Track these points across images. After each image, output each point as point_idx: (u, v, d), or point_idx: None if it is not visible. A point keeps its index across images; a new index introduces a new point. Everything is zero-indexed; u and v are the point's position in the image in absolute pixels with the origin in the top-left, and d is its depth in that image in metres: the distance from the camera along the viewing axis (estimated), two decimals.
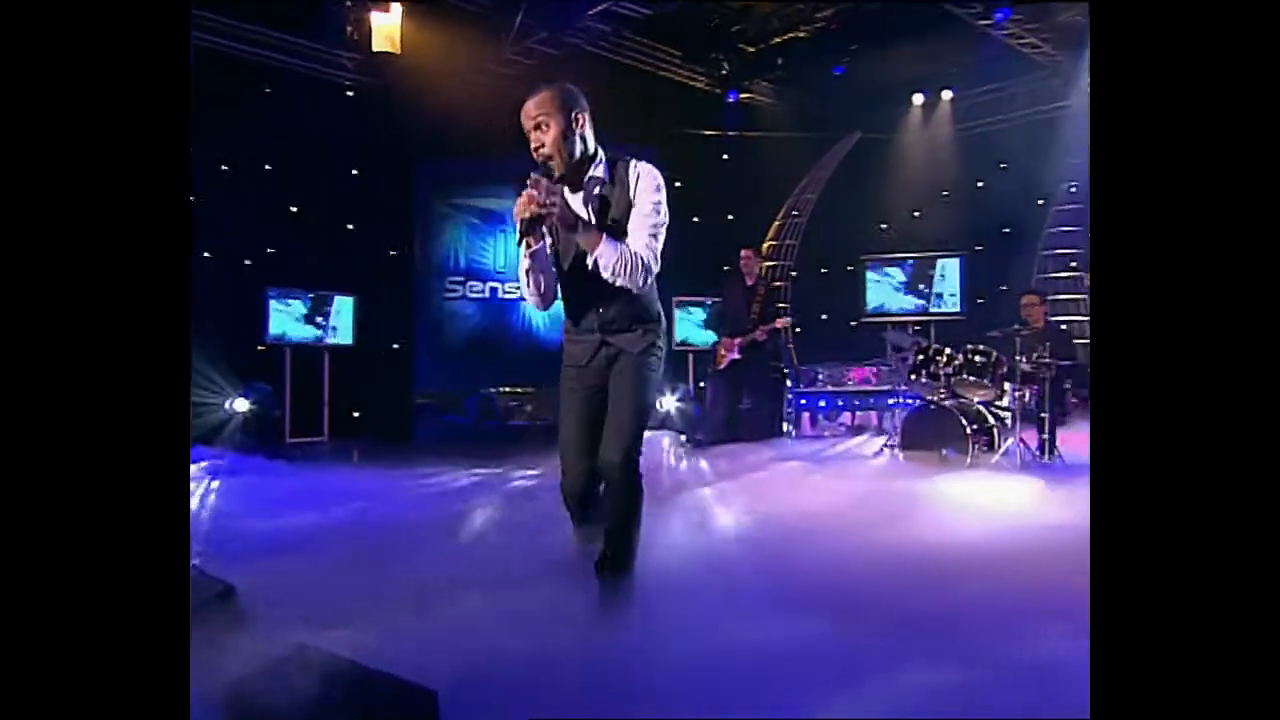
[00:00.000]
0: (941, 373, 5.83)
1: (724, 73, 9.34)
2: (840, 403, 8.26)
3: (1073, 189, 10.33)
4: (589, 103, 2.47)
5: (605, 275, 2.38)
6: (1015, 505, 4.38)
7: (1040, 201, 10.60)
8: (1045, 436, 5.74)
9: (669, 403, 8.02)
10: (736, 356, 6.90)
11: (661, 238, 2.46)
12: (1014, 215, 10.79)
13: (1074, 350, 6.17)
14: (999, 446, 5.69)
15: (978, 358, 5.75)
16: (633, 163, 2.48)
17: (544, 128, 2.38)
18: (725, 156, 11.05)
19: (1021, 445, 5.69)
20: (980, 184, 11.02)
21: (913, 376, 6.04)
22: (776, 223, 11.37)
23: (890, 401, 7.40)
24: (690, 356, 9.36)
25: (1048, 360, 5.63)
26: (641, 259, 2.40)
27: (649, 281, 2.47)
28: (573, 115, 2.40)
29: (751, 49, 9.13)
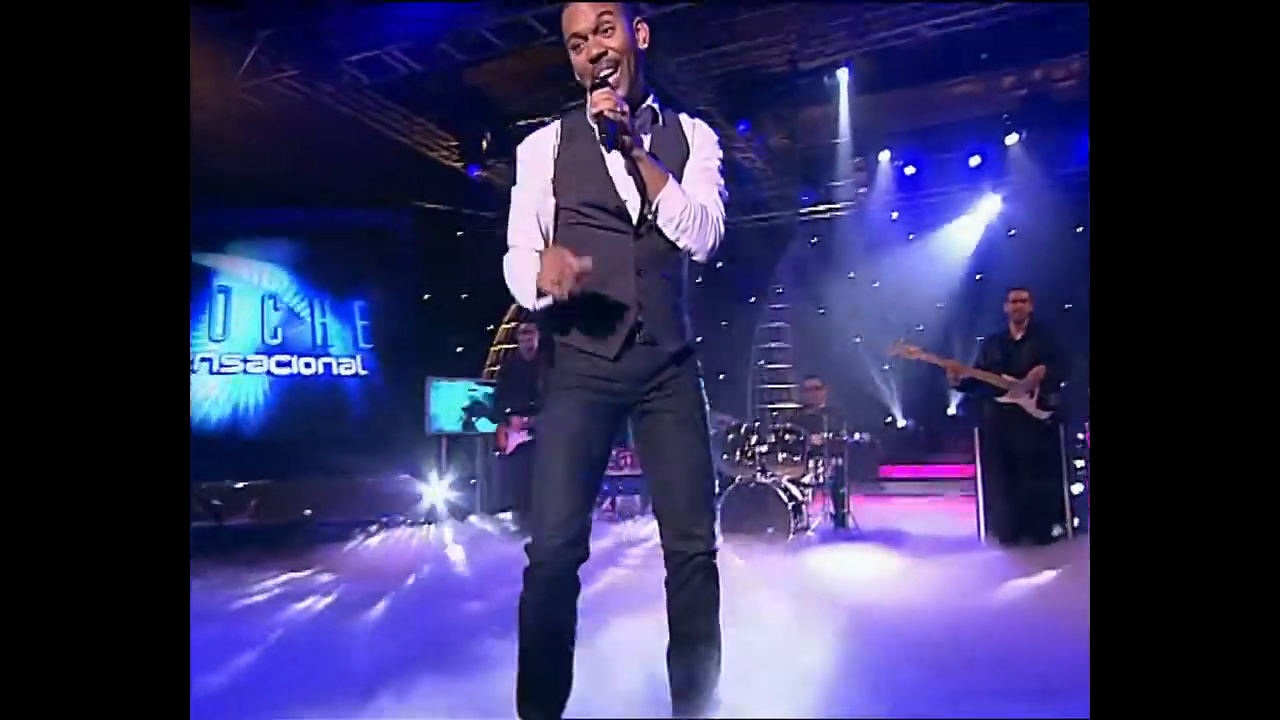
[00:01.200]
0: (755, 451, 5.95)
1: (484, 146, 9.02)
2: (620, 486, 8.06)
3: (779, 290, 11.62)
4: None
5: (668, 228, 1.85)
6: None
7: (751, 300, 11.76)
8: (845, 509, 6.10)
9: (440, 491, 7.17)
10: (526, 439, 6.40)
11: (723, 207, 1.97)
12: (729, 311, 11.82)
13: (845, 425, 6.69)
14: (807, 520, 5.91)
15: (788, 436, 5.99)
16: (683, 115, 2.05)
17: (608, 31, 1.86)
18: (460, 233, 10.63)
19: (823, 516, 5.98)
20: (699, 279, 11.90)
21: (725, 457, 6.08)
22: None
23: None
24: (444, 440, 8.56)
25: (843, 437, 6.04)
26: (711, 214, 1.90)
27: (717, 246, 1.93)
28: (637, 24, 1.92)
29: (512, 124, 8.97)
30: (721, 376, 11.67)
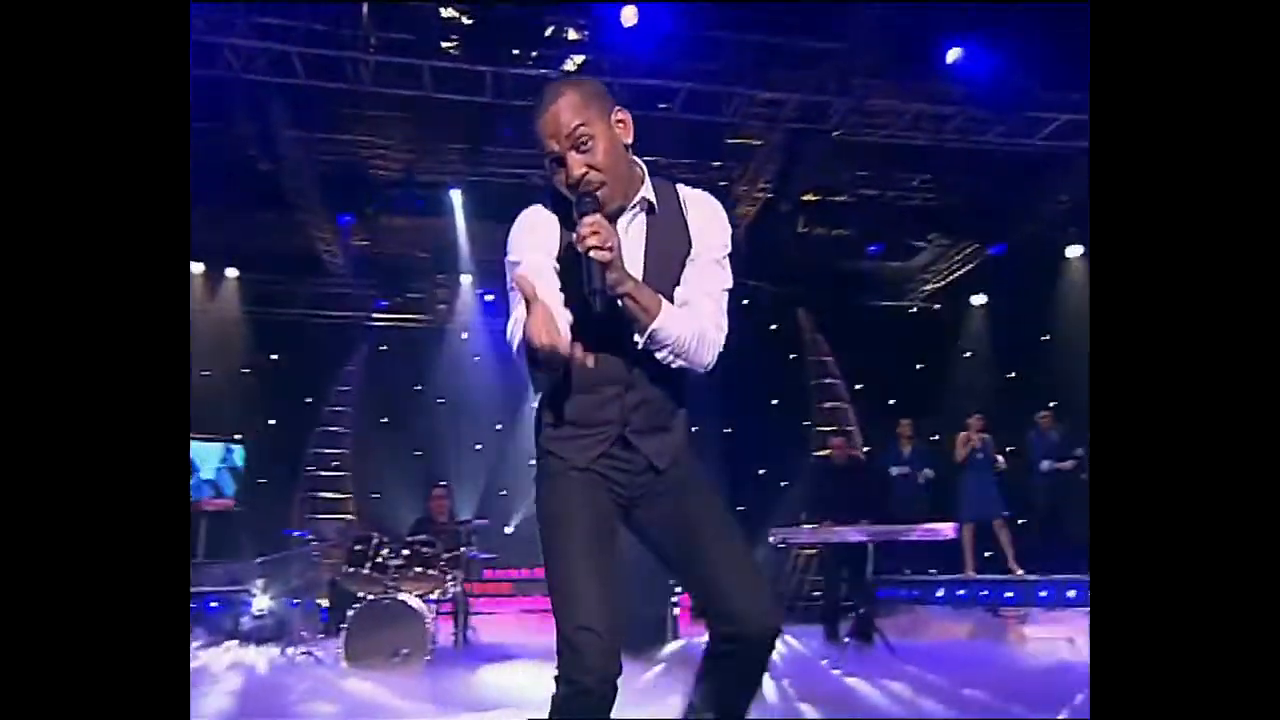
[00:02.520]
0: (389, 564, 5.48)
1: None
2: None
3: (343, 393, 10.97)
4: None
5: (661, 354, 1.68)
6: None
7: (308, 400, 10.87)
8: (467, 624, 5.94)
9: None
10: None
11: (725, 307, 1.80)
12: (280, 409, 10.74)
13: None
14: (434, 638, 5.60)
15: (424, 549, 5.66)
16: (681, 188, 1.82)
17: (586, 147, 1.65)
18: None
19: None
20: (246, 370, 10.67)
21: (350, 569, 5.47)
22: None
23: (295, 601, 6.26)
24: None
25: (469, 550, 5.98)
26: (711, 332, 1.72)
27: (715, 360, 1.76)
28: (615, 118, 1.72)
29: None
30: (263, 482, 10.45)
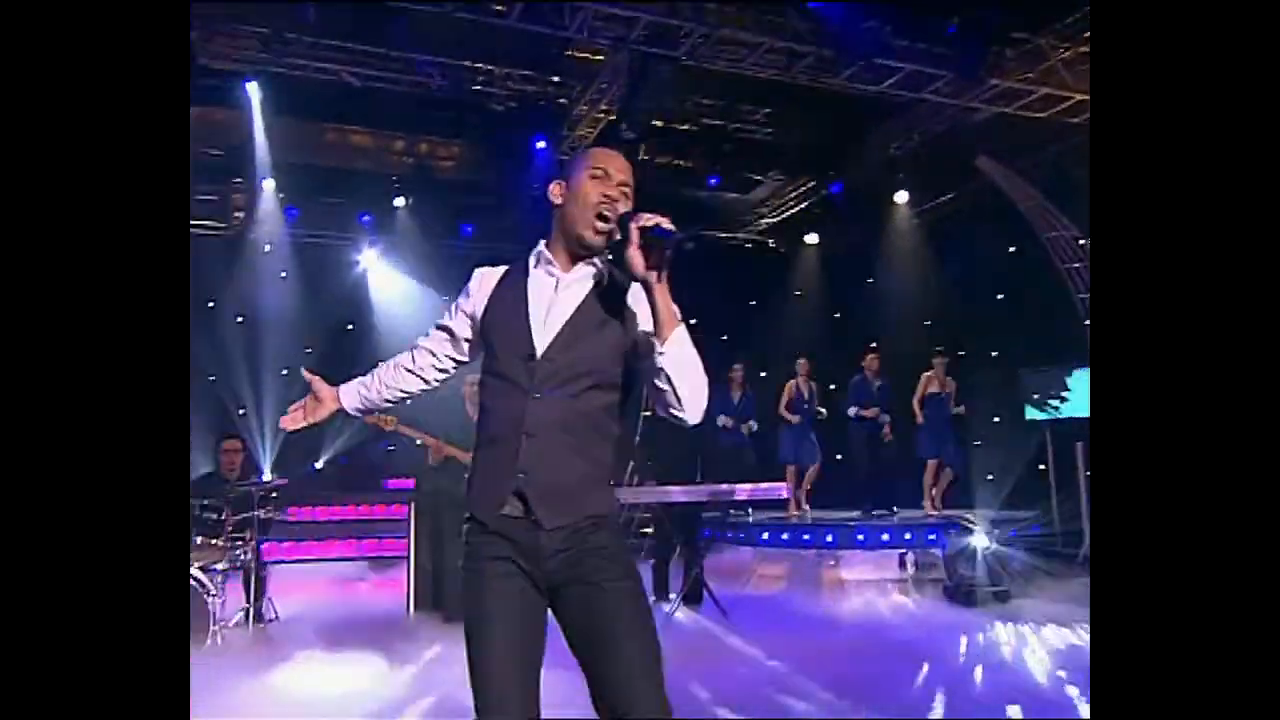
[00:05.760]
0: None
1: None
2: None
3: None
4: None
5: (669, 367, 1.67)
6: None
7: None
8: (267, 597, 5.35)
9: None
10: None
11: None
12: None
13: None
14: (215, 614, 4.97)
15: (207, 514, 4.94)
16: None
17: (626, 197, 1.83)
18: None
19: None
20: None
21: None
22: None
23: None
24: None
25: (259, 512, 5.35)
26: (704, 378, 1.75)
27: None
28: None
29: None
30: None
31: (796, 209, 10.99)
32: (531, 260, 1.86)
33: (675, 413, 1.71)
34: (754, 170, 10.44)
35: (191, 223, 9.92)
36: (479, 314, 1.86)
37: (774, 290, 11.23)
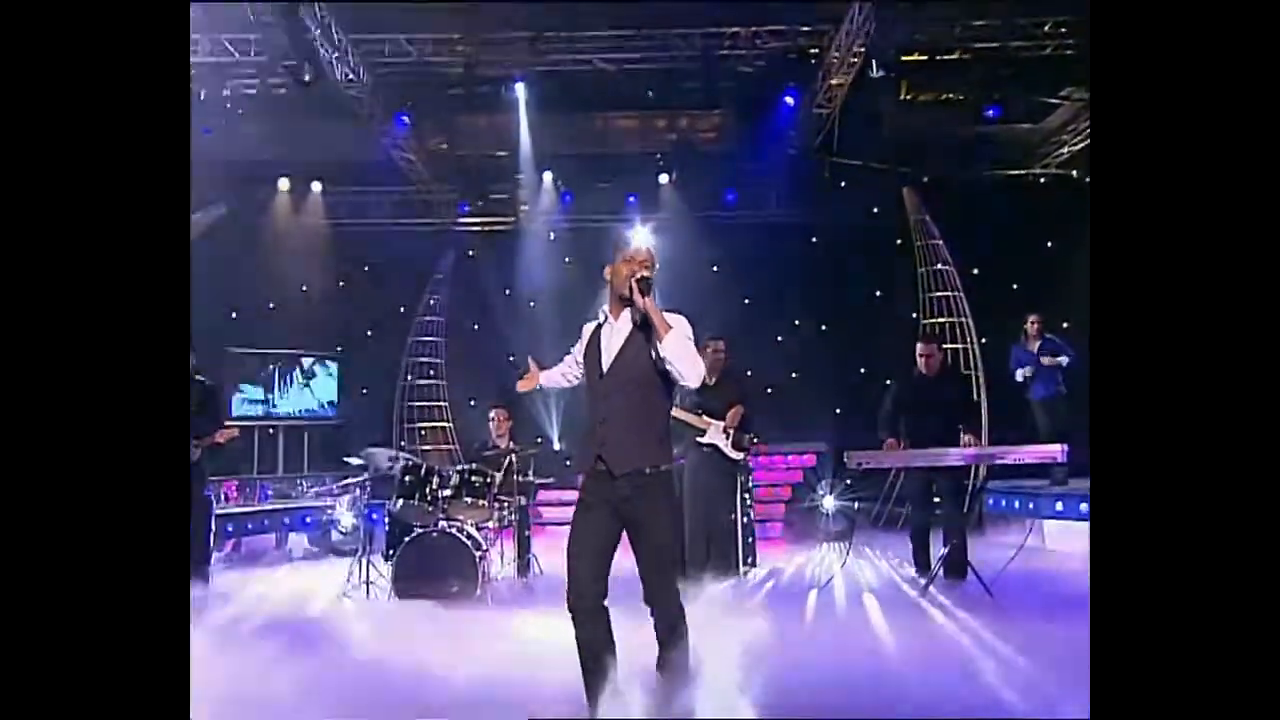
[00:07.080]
0: (439, 495, 5.35)
1: None
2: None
3: (433, 300, 10.94)
4: None
5: (668, 353, 2.70)
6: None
7: (401, 309, 10.91)
8: (528, 553, 5.81)
9: None
10: None
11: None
12: (376, 320, 10.87)
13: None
14: (491, 570, 5.48)
15: (474, 478, 5.49)
16: None
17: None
18: None
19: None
20: (342, 283, 10.78)
21: (401, 501, 5.38)
22: None
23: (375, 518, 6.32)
24: None
25: (529, 477, 5.76)
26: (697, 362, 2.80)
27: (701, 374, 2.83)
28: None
29: None
30: (365, 391, 10.71)
31: None
32: (600, 316, 2.94)
33: (681, 381, 2.77)
34: (1045, 93, 9.11)
35: (486, 220, 11.07)
36: (583, 347, 2.97)
37: (1080, 230, 9.72)
